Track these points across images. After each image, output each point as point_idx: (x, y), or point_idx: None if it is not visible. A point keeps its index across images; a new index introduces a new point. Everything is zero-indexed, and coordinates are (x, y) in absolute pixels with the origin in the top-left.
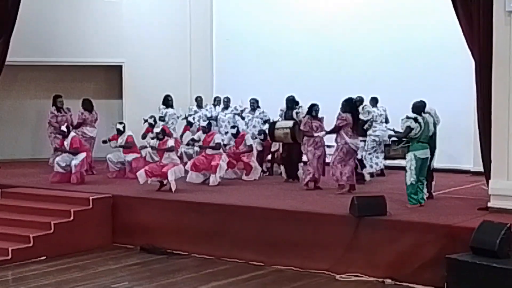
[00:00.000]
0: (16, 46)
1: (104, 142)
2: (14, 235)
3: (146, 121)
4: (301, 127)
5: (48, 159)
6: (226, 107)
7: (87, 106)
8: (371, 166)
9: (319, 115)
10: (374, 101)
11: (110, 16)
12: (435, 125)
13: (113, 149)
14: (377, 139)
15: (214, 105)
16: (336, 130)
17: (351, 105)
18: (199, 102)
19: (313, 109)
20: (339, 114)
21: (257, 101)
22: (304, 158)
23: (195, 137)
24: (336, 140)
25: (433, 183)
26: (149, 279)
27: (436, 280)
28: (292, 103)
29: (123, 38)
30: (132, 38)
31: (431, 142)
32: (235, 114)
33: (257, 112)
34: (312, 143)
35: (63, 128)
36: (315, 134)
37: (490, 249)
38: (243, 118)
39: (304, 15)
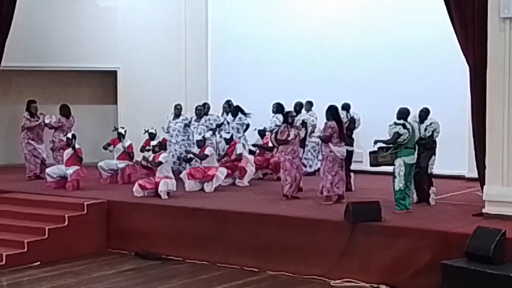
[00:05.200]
0: (11, 51)
1: (105, 148)
2: (8, 241)
3: (146, 131)
4: (278, 136)
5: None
6: (178, 115)
7: (65, 111)
8: (311, 166)
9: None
10: (309, 105)
11: (105, 21)
12: (421, 131)
13: (104, 156)
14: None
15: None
16: (327, 141)
17: (334, 113)
18: (177, 111)
19: (288, 117)
20: (326, 123)
21: (204, 107)
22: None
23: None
24: (321, 149)
25: (434, 188)
26: (144, 284)
27: (431, 286)
28: (300, 108)
29: (118, 43)
30: (127, 43)
31: (431, 149)
32: (185, 124)
33: (202, 120)
34: (290, 151)
35: (69, 135)
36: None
37: (485, 255)
38: (189, 126)
39: (299, 20)
